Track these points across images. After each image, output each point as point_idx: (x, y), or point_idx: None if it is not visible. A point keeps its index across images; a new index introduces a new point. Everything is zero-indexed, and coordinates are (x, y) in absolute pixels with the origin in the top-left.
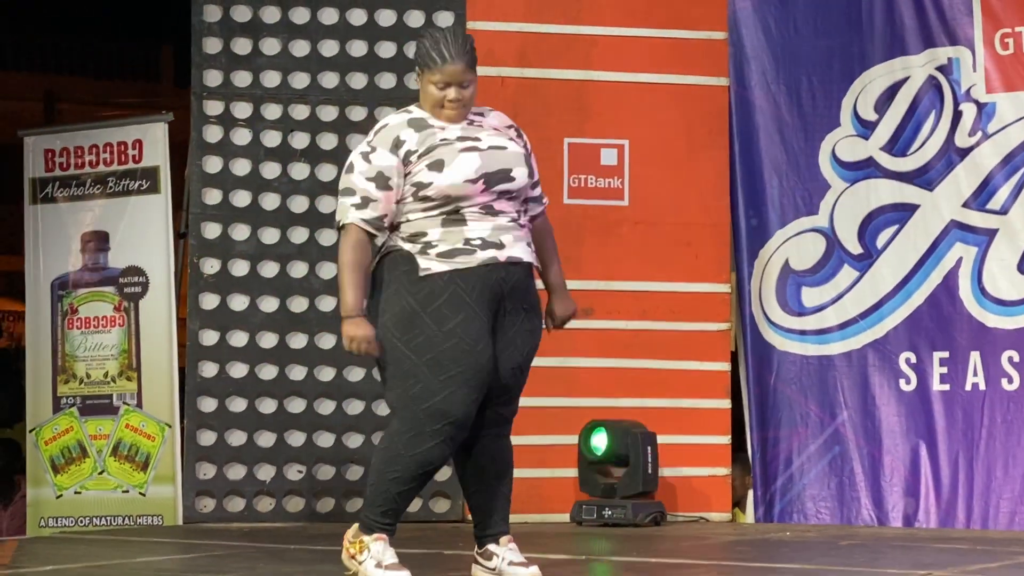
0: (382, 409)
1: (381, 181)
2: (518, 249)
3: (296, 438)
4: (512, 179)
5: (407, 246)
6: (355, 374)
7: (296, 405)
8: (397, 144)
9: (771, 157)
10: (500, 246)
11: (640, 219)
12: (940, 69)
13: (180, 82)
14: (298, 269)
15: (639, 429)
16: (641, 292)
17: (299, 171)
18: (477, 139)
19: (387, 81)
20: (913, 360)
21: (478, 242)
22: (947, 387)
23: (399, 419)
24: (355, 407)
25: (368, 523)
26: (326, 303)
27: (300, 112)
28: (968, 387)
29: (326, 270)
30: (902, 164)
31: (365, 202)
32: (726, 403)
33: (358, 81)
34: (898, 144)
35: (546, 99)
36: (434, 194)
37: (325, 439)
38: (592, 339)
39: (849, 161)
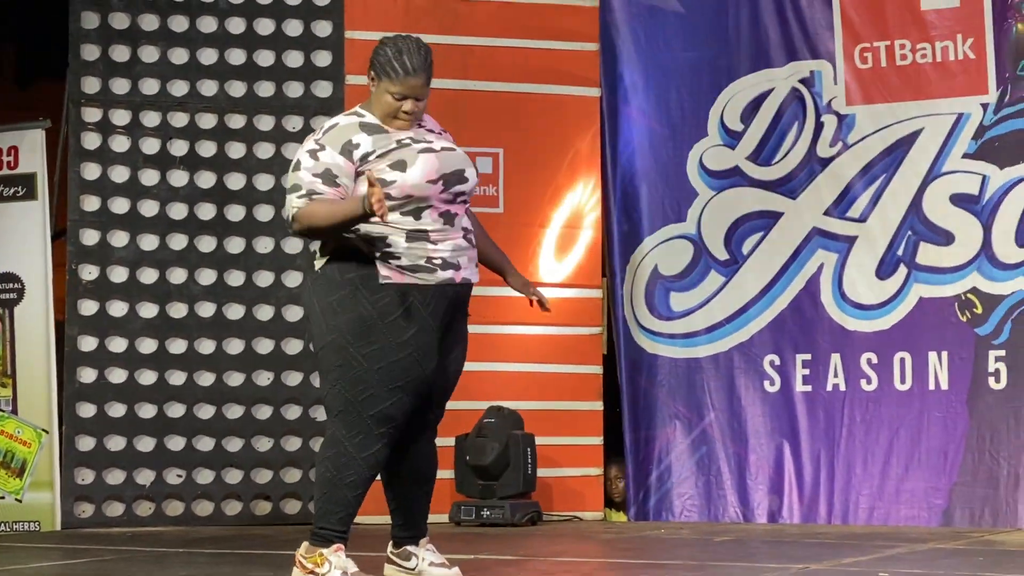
0: (263, 413)
1: (328, 178)
2: (470, 271)
3: (175, 442)
4: (466, 180)
5: (364, 247)
6: (234, 379)
7: (175, 410)
8: (349, 147)
9: (642, 165)
10: (457, 267)
11: (515, 225)
12: (803, 82)
13: (21, 83)
14: (177, 275)
15: (519, 430)
16: (516, 297)
17: (178, 178)
18: (430, 142)
19: (265, 89)
20: (777, 362)
21: (439, 261)
22: (809, 388)
23: (344, 424)
24: (234, 411)
25: (325, 535)
26: (205, 308)
27: (179, 120)
28: (829, 388)
29: (205, 276)
30: (767, 173)
31: (311, 196)
32: (598, 405)
33: (237, 89)
34: (763, 153)
35: (432, 107)
36: (397, 192)
37: (205, 443)
38: (479, 345)
39: (716, 170)
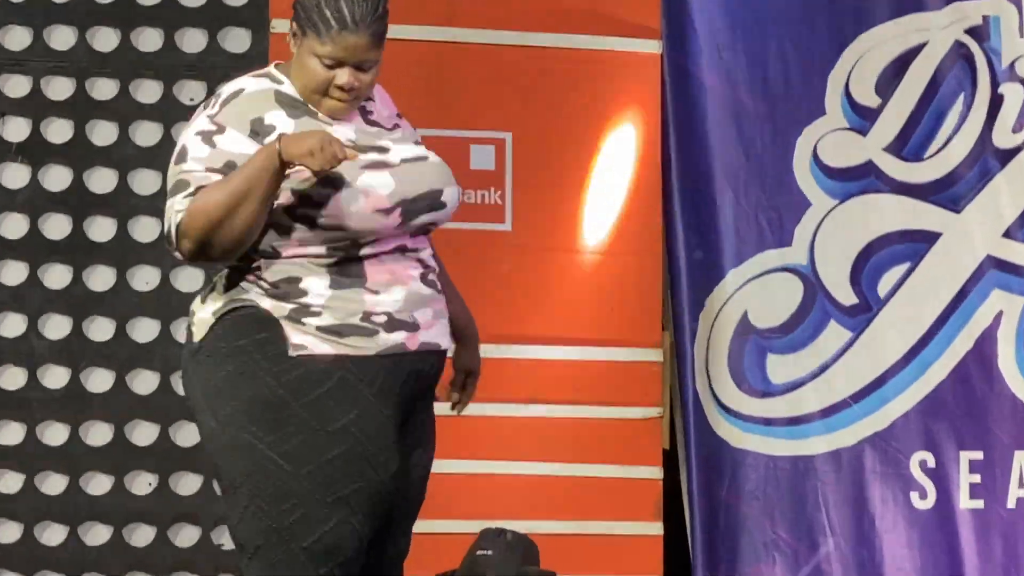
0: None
1: (230, 171)
2: (437, 330)
3: None
4: (442, 205)
5: (267, 302)
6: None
7: None
8: (260, 127)
9: (724, 159)
10: (413, 327)
11: (528, 251)
12: (971, 32)
13: None
14: (10, 325)
15: (532, 565)
16: (530, 361)
17: (12, 175)
18: (383, 148)
19: (149, 41)
20: (931, 464)
21: (383, 319)
22: (980, 504)
23: (262, 562)
24: None
25: None
26: (53, 376)
27: (15, 86)
28: (1011, 504)
29: (54, 326)
30: (916, 172)
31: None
32: (656, 528)
33: (104, 40)
34: (910, 143)
35: (391, 70)
36: (325, 223)
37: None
38: (464, 433)
39: (838, 167)
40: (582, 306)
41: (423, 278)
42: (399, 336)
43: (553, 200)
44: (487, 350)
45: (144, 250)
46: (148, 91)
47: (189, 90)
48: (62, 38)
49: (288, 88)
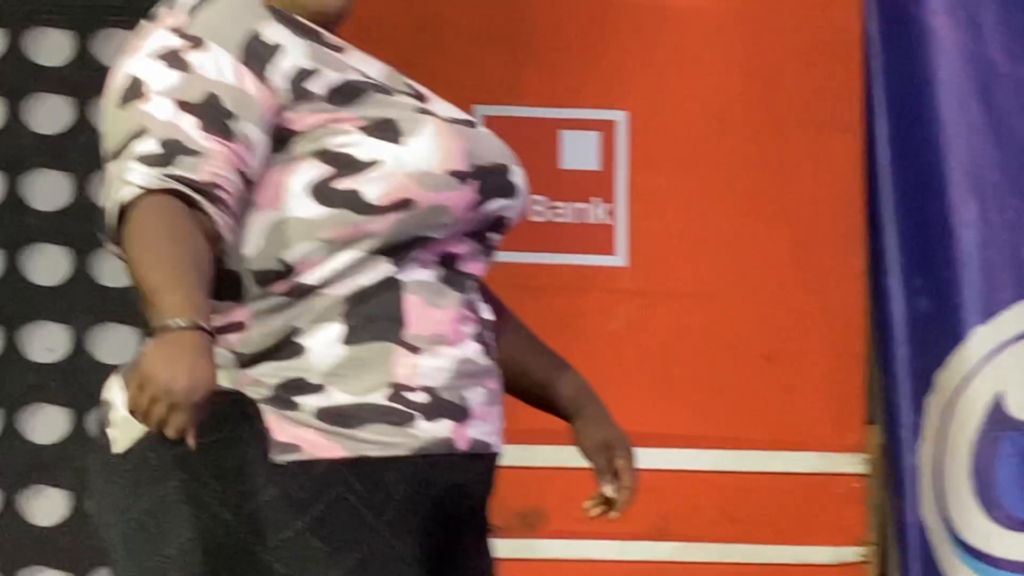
0: None
1: (216, 114)
2: (492, 423)
3: None
4: (514, 190)
5: (238, 374)
6: None
7: None
8: (258, 47)
9: (963, 151)
10: (463, 413)
11: (650, 296)
12: None
13: None
14: None
15: None
16: (660, 475)
17: None
18: (423, 96)
19: None
20: None
21: (423, 397)
22: None
23: None
24: None
25: None
26: None
27: None
28: None
29: None
30: None
31: (171, 152)
32: None
33: None
34: None
35: (439, 24)
36: (379, 190)
37: None
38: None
39: None
40: (750, 387)
41: (479, 338)
42: (443, 427)
43: (701, 225)
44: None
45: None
46: (54, 49)
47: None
48: None
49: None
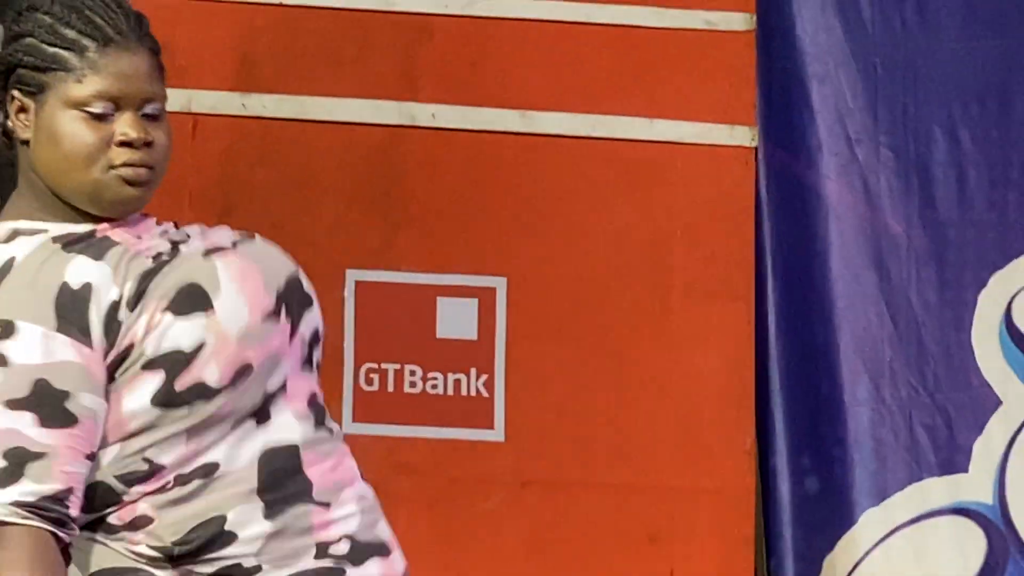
0: None
1: (49, 401)
2: (398, 549)
3: None
4: (310, 301)
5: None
6: None
7: None
8: (70, 300)
9: (855, 323)
10: (383, 548)
11: (533, 475)
12: None
13: None
14: None
15: None
16: None
17: None
18: (187, 236)
19: None
20: None
21: (344, 547)
22: None
23: None
24: None
25: None
26: None
27: None
28: None
29: None
30: None
31: (16, 463)
32: None
33: None
34: None
35: (310, 185)
36: (213, 361)
37: None
38: None
39: None
40: (623, 571)
41: (356, 465)
42: (373, 570)
43: (572, 390)
44: None
45: None
46: None
47: None
48: None
49: (56, 229)
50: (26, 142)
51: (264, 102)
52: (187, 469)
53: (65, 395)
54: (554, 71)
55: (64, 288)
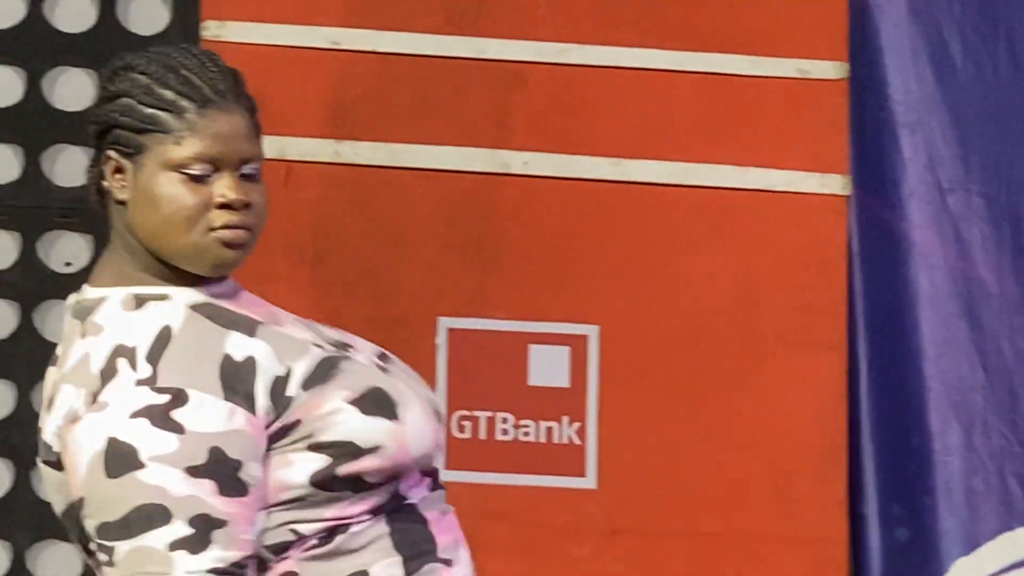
0: None
1: (225, 470)
2: None
3: None
4: (439, 417)
5: None
6: None
7: None
8: (234, 372)
9: (945, 374)
10: None
11: (623, 524)
12: None
13: None
14: None
15: None
16: None
17: None
18: (349, 345)
19: None
20: None
21: None
22: None
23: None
24: None
25: None
26: None
27: None
28: None
29: None
30: None
31: (203, 531)
32: None
33: None
34: None
35: (403, 235)
36: (382, 463)
37: None
38: None
39: None
40: None
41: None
42: None
43: (663, 438)
44: None
45: None
46: None
47: None
48: None
49: (177, 293)
50: (122, 202)
51: (357, 149)
52: (328, 530)
53: (238, 464)
54: (646, 119)
55: (227, 360)
